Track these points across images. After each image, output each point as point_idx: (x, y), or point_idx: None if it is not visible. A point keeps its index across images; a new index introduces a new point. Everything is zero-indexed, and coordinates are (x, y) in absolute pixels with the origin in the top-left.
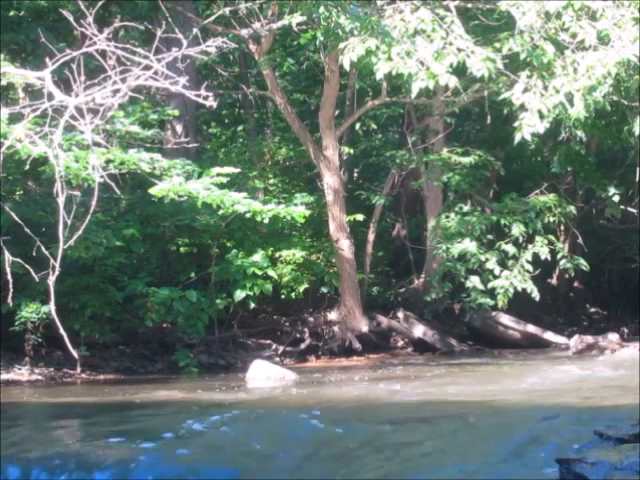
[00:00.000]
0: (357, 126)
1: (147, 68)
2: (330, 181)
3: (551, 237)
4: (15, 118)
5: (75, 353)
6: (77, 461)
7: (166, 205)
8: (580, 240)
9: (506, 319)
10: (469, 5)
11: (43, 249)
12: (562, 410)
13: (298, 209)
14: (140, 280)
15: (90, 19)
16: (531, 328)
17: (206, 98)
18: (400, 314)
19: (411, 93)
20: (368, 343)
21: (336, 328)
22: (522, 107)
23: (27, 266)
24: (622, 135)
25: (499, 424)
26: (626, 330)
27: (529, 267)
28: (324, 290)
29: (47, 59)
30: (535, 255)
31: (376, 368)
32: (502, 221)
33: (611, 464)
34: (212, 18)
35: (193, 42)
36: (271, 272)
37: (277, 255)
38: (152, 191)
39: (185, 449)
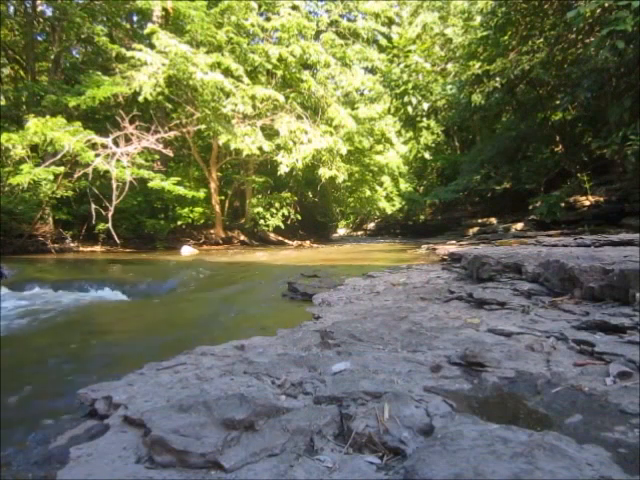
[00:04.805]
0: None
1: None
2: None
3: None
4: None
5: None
6: None
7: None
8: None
9: (272, 235)
10: None
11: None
12: (292, 266)
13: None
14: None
15: None
16: (280, 238)
17: None
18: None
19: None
20: (226, 241)
21: (213, 234)
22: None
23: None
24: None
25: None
26: (311, 240)
27: (280, 214)
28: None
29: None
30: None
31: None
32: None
33: (306, 285)
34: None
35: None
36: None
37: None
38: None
39: None
